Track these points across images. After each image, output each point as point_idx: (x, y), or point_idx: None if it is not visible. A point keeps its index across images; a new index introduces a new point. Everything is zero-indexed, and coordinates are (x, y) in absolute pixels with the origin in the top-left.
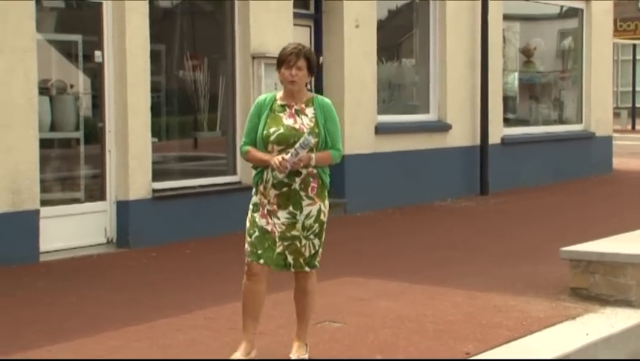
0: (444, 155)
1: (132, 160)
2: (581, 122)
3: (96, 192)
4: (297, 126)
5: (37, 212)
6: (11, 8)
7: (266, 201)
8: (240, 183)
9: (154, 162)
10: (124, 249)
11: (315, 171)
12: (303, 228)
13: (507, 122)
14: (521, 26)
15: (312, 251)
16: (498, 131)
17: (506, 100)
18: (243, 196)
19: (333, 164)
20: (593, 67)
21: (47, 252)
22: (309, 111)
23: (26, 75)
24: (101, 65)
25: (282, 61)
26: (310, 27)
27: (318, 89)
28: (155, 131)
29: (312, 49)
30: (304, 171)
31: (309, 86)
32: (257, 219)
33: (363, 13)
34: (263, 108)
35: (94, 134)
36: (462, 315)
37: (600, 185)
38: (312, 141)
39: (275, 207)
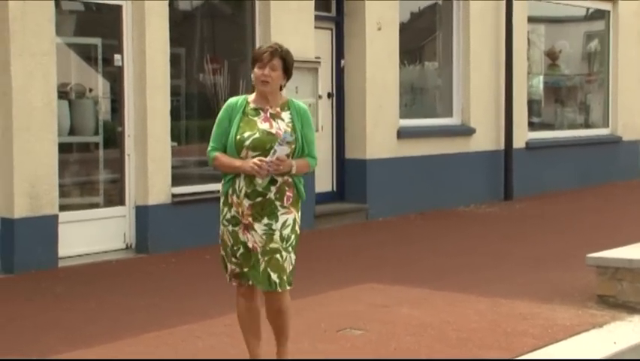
0: (467, 159)
1: (151, 164)
2: (608, 126)
3: (115, 196)
4: (273, 131)
5: (55, 217)
6: (30, 11)
7: (240, 212)
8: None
9: (173, 167)
10: (143, 254)
11: (290, 180)
12: (282, 238)
13: (532, 126)
14: (546, 28)
15: (291, 267)
16: (523, 136)
17: (531, 103)
18: None
19: (308, 172)
20: (620, 70)
21: (66, 257)
22: (285, 116)
23: (45, 79)
24: (120, 69)
25: (256, 59)
26: (332, 29)
27: (340, 93)
28: (175, 136)
29: (334, 51)
30: (280, 180)
31: (283, 90)
32: (240, 235)
33: (385, 15)
34: (234, 111)
35: (113, 138)
36: (486, 323)
37: (627, 190)
38: (291, 138)
39: (250, 219)
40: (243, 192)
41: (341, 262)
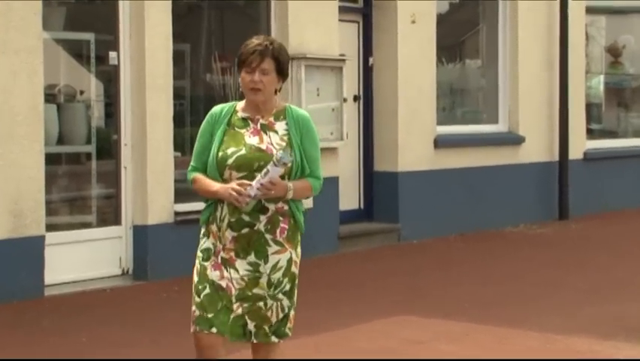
0: (516, 172)
1: (151, 178)
2: None
3: (110, 215)
4: (263, 146)
5: (42, 238)
6: (15, 3)
7: (220, 247)
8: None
9: (176, 181)
10: (142, 281)
11: (286, 207)
12: (270, 284)
13: (591, 133)
14: (607, 21)
15: (281, 315)
16: (580, 145)
17: (590, 108)
18: None
19: (311, 197)
20: None
21: (54, 284)
22: (280, 127)
23: (31, 79)
24: (116, 68)
25: (243, 61)
26: (358, 23)
27: (367, 96)
28: (178, 145)
29: (360, 47)
30: (272, 207)
31: (278, 94)
32: (208, 271)
33: (420, 6)
34: (218, 122)
35: (107, 147)
36: None
37: None
38: (290, 158)
39: (232, 254)
40: (226, 221)
41: (369, 291)
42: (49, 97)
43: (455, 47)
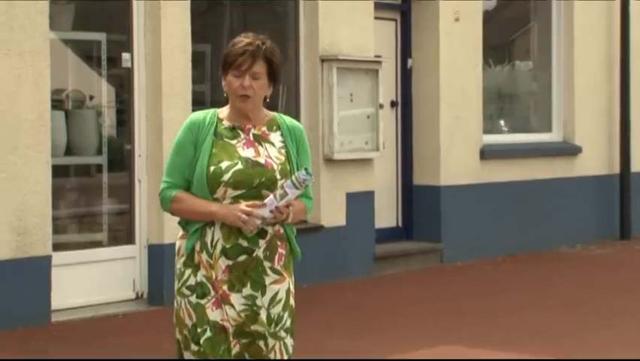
0: (571, 186)
1: None
2: None
3: (122, 233)
4: (261, 160)
5: (48, 259)
6: (19, 1)
7: (215, 278)
8: (305, 222)
9: None
10: (157, 306)
11: (282, 230)
12: (270, 321)
13: None
14: None
15: (286, 357)
16: None
17: None
18: (309, 240)
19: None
20: None
21: (61, 310)
22: (276, 138)
23: (36, 84)
24: (129, 71)
25: (230, 63)
26: (396, 21)
27: (406, 101)
28: None
29: (398, 47)
30: (270, 230)
31: (267, 100)
32: (208, 311)
33: (464, 2)
34: (201, 132)
35: (120, 159)
36: None
37: None
38: (312, 179)
39: (225, 288)
40: (219, 247)
41: (408, 318)
42: (57, 103)
43: (504, 47)
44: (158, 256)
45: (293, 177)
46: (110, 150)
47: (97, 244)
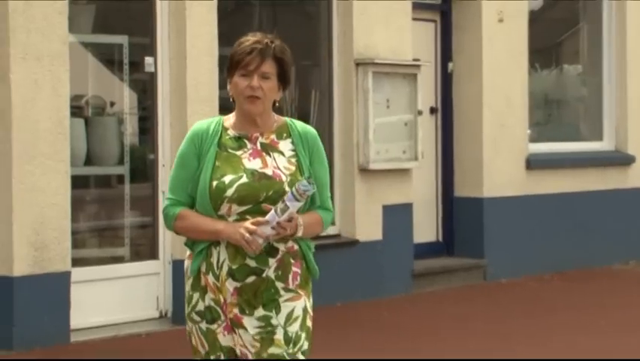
0: (624, 198)
1: None
2: None
3: (145, 248)
4: (268, 172)
5: (67, 275)
6: (36, 2)
7: (223, 302)
8: (338, 236)
9: None
10: (181, 326)
11: (296, 246)
12: (288, 341)
13: None
14: None
15: None
16: None
17: None
18: (343, 255)
19: (319, 234)
20: None
21: (81, 329)
22: (285, 146)
23: (55, 90)
24: (152, 76)
25: (237, 63)
26: (436, 22)
27: (446, 107)
28: None
29: (438, 50)
30: (282, 248)
31: (277, 105)
32: (219, 337)
33: (509, 2)
34: (205, 143)
35: (143, 169)
36: None
37: None
38: (312, 188)
39: (236, 311)
40: (226, 269)
41: (448, 340)
42: (76, 110)
43: (551, 49)
44: (183, 272)
45: (293, 189)
46: (132, 160)
47: (118, 260)
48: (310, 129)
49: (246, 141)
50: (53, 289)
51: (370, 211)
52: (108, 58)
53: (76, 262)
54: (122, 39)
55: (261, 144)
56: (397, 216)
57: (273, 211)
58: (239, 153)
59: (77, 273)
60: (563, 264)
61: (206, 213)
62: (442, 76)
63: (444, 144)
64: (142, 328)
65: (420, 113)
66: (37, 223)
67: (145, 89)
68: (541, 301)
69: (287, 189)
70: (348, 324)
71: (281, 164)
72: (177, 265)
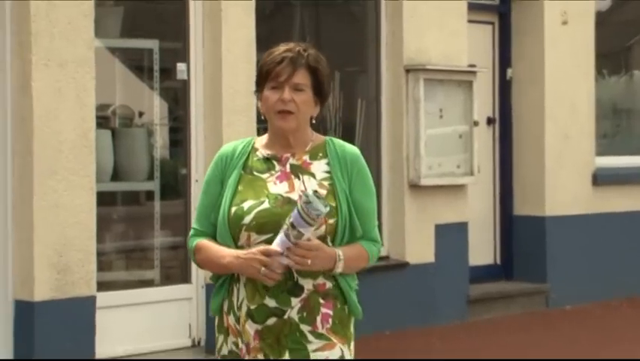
0: None
1: None
2: None
3: (176, 270)
4: (293, 196)
5: (92, 300)
6: (60, 4)
7: (244, 347)
8: (387, 258)
9: None
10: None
11: (329, 283)
12: None
13: None
14: None
15: None
16: None
17: None
18: (392, 279)
19: (366, 267)
20: None
21: (106, 359)
22: (319, 168)
23: (79, 99)
24: (185, 84)
25: (267, 74)
26: (493, 24)
27: (505, 118)
28: None
29: (496, 55)
30: (309, 285)
31: (314, 122)
32: None
33: (573, 3)
34: (229, 166)
35: (174, 184)
36: None
37: None
38: (325, 208)
39: (261, 357)
40: (245, 309)
41: None
42: (102, 121)
43: (619, 54)
44: None
45: (298, 208)
46: (162, 175)
47: (147, 283)
48: (351, 149)
49: (275, 163)
50: (77, 315)
51: (422, 231)
52: (137, 64)
53: (102, 285)
54: (153, 44)
55: (291, 165)
56: (451, 236)
57: (282, 238)
58: (265, 175)
59: (103, 298)
60: (632, 289)
61: (225, 243)
62: (501, 83)
63: (502, 157)
64: (173, 357)
65: (476, 123)
66: (59, 244)
67: (177, 98)
68: (609, 329)
69: (310, 194)
70: (398, 354)
71: (310, 187)
72: (211, 290)
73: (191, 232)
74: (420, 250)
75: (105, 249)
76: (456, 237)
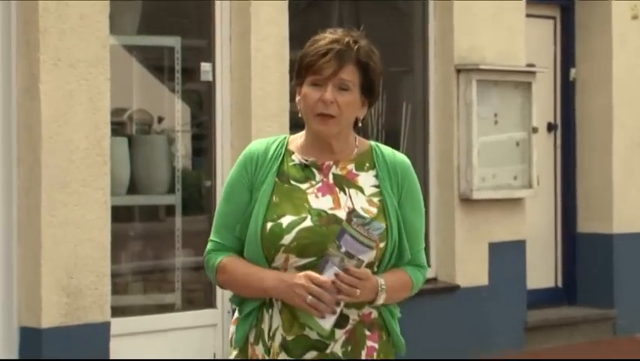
0: None
1: None
2: None
3: (200, 293)
4: (340, 214)
5: (106, 326)
6: None
7: None
8: (435, 280)
9: None
10: None
11: (375, 313)
12: None
13: None
14: None
15: None
16: None
17: None
18: (441, 304)
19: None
20: None
21: None
22: (366, 180)
23: (93, 103)
24: (210, 86)
25: (307, 67)
26: (555, 20)
27: (568, 124)
28: None
29: (558, 53)
30: (354, 315)
31: (360, 125)
32: None
33: None
34: (260, 170)
35: (197, 198)
36: None
37: None
38: (379, 229)
39: None
40: (279, 339)
41: None
42: (117, 127)
43: None
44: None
45: (351, 232)
46: (184, 187)
47: (168, 308)
48: (402, 158)
49: (315, 171)
50: (89, 344)
51: (474, 250)
52: (156, 64)
53: (117, 311)
54: (174, 41)
55: (334, 175)
56: (507, 256)
57: (330, 263)
58: (304, 186)
59: (118, 324)
60: None
61: (257, 263)
62: (563, 85)
63: (564, 168)
64: None
65: (535, 130)
66: (70, 264)
67: (201, 102)
68: None
69: (362, 215)
70: None
71: (358, 204)
72: None
73: (210, 245)
74: (472, 271)
75: (120, 270)
76: (512, 257)
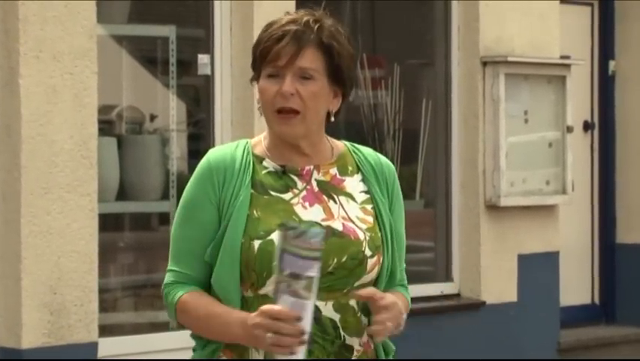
0: None
1: None
2: None
3: None
4: (337, 225)
5: (92, 347)
6: None
7: None
8: (458, 296)
9: None
10: None
11: (371, 342)
12: None
13: None
14: None
15: None
16: None
17: None
18: (465, 322)
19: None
20: None
21: None
22: (354, 186)
23: (78, 99)
24: (208, 80)
25: (262, 56)
26: (592, 7)
27: (607, 123)
28: None
29: (595, 45)
30: (356, 344)
31: (332, 120)
32: None
33: None
34: (229, 182)
35: None
36: None
37: None
38: (320, 228)
39: None
40: None
41: None
42: (105, 126)
43: None
44: None
45: (289, 250)
46: (180, 193)
47: (161, 327)
48: (386, 159)
49: (295, 178)
50: None
51: (502, 263)
52: (149, 56)
53: (105, 330)
54: (168, 31)
55: (318, 182)
56: (538, 269)
57: (287, 298)
58: (287, 196)
59: (106, 344)
60: None
61: (231, 293)
62: (601, 79)
63: (603, 172)
64: None
65: (570, 129)
66: (53, 278)
67: (198, 98)
68: None
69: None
70: None
71: (352, 213)
72: None
73: (169, 276)
74: (499, 286)
75: (109, 284)
76: (544, 270)
